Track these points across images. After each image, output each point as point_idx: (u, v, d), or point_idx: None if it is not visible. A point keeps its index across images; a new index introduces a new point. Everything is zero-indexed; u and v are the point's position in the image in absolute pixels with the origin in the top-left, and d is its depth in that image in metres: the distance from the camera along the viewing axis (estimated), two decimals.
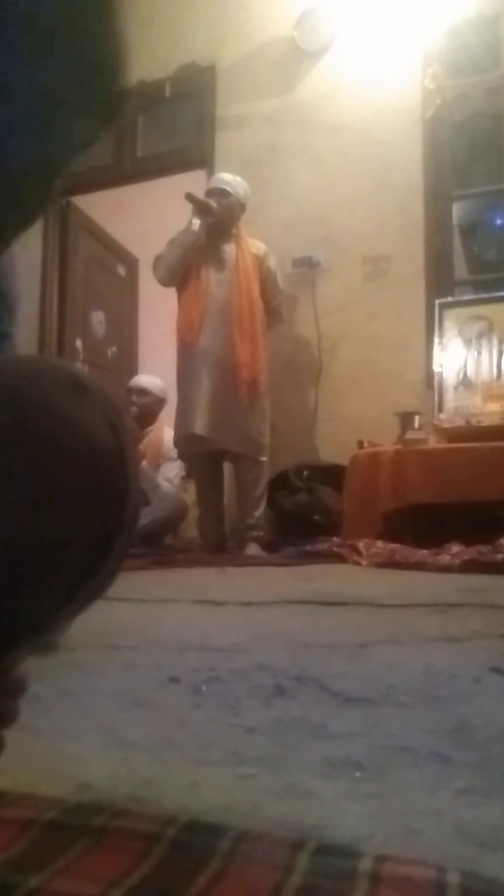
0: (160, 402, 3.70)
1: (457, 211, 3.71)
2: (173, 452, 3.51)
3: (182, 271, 3.18)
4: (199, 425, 3.02)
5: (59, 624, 0.39)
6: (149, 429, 3.68)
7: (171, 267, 3.20)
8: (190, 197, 3.13)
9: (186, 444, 3.15)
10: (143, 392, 3.66)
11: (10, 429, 0.33)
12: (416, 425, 3.10)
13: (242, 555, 3.01)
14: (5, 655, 0.39)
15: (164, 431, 3.66)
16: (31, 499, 0.33)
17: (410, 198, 3.61)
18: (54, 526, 0.34)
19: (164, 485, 3.55)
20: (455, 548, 2.42)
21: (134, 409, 3.58)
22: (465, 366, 3.31)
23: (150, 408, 3.65)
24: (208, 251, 3.18)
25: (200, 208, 3.13)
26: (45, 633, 0.38)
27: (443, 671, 0.85)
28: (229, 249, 3.21)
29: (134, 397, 3.62)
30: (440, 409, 3.24)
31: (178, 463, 3.60)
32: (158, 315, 4.29)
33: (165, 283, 3.28)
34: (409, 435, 3.04)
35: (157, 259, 3.27)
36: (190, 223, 3.16)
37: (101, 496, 0.36)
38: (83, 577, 0.37)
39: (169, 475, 3.64)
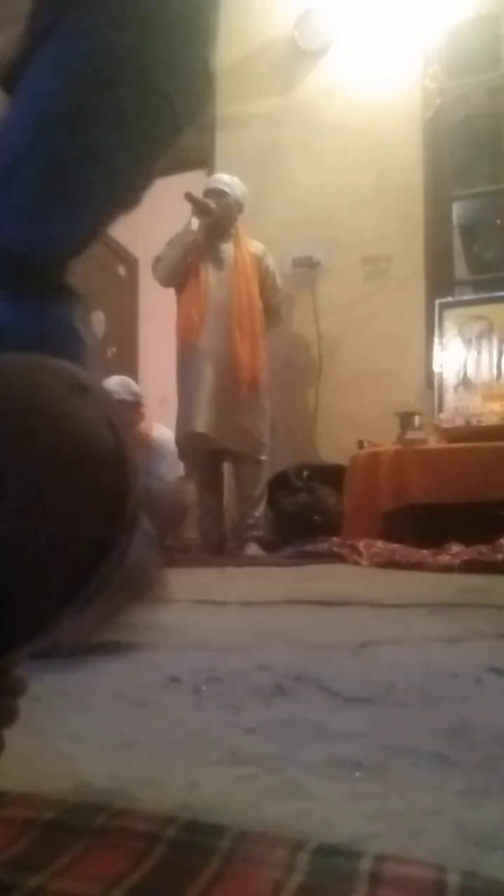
0: (134, 405, 3.49)
1: (457, 211, 3.71)
2: (163, 450, 3.51)
3: (182, 270, 3.20)
4: (201, 423, 3.03)
5: (59, 624, 0.39)
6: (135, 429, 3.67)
7: (171, 266, 3.21)
8: (189, 196, 3.15)
9: (188, 442, 3.15)
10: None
11: (9, 427, 0.33)
12: (416, 425, 3.10)
13: (242, 555, 3.01)
14: (4, 655, 0.39)
15: (153, 428, 3.65)
16: (29, 498, 0.33)
17: (410, 198, 3.61)
18: (53, 525, 0.34)
19: (160, 484, 3.55)
20: (455, 548, 2.42)
21: None
22: (465, 366, 3.31)
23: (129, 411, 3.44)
24: (207, 251, 3.19)
25: (199, 208, 3.15)
26: (45, 633, 0.38)
27: (443, 671, 0.85)
28: (228, 249, 3.22)
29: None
30: (440, 409, 3.24)
31: (168, 460, 3.59)
32: (158, 315, 4.29)
33: (165, 282, 3.29)
34: (409, 435, 3.04)
35: (157, 260, 3.29)
36: (189, 223, 3.18)
37: (100, 496, 0.36)
38: (82, 577, 0.37)
39: (160, 472, 3.63)
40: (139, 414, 3.67)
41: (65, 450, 0.34)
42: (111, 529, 0.37)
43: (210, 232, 3.17)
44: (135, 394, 3.64)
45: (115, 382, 3.73)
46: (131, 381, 3.70)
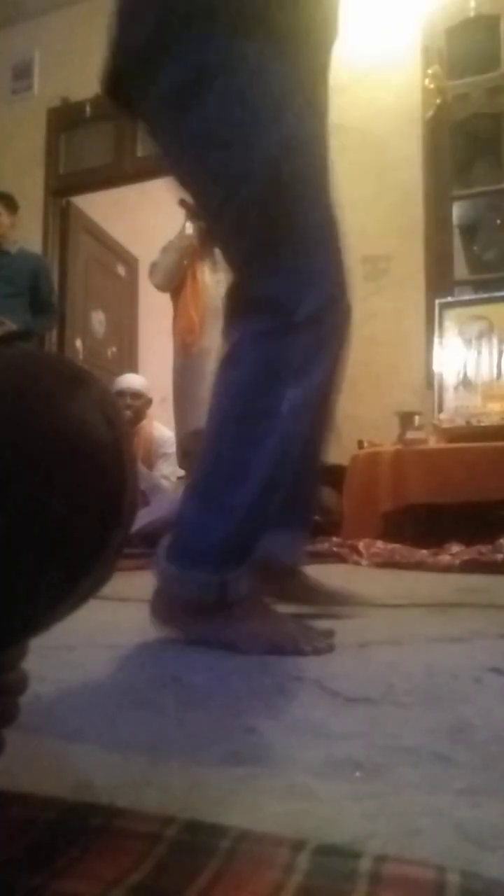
0: (149, 402, 3.75)
1: (457, 211, 3.72)
2: (165, 448, 3.54)
3: (180, 273, 3.23)
4: (204, 422, 3.04)
5: (57, 619, 0.39)
6: (138, 426, 3.73)
7: (169, 270, 3.25)
8: (183, 203, 3.18)
9: (192, 440, 3.16)
10: (137, 395, 3.67)
11: (7, 421, 0.33)
12: (416, 425, 3.10)
13: None
14: (2, 651, 0.39)
15: (154, 427, 3.69)
16: (27, 492, 0.33)
17: (410, 198, 3.60)
18: (51, 519, 0.34)
19: (164, 483, 3.57)
20: (455, 548, 2.42)
21: (128, 412, 3.59)
22: (465, 366, 3.31)
23: (143, 410, 3.69)
24: (202, 254, 3.23)
25: (194, 211, 3.18)
26: (43, 628, 0.38)
27: (443, 671, 0.85)
28: None
29: (129, 400, 3.63)
30: (440, 409, 3.24)
31: (173, 458, 3.62)
32: (158, 315, 4.29)
33: (163, 287, 3.33)
34: (409, 435, 3.04)
35: (153, 265, 3.34)
36: (184, 227, 3.23)
37: (97, 490, 0.36)
38: (80, 572, 0.37)
39: (165, 472, 3.65)
40: (145, 413, 3.74)
41: (61, 444, 0.34)
42: (108, 523, 0.37)
43: (204, 234, 3.20)
44: (150, 390, 3.76)
45: (137, 382, 3.80)
46: (144, 379, 3.82)
